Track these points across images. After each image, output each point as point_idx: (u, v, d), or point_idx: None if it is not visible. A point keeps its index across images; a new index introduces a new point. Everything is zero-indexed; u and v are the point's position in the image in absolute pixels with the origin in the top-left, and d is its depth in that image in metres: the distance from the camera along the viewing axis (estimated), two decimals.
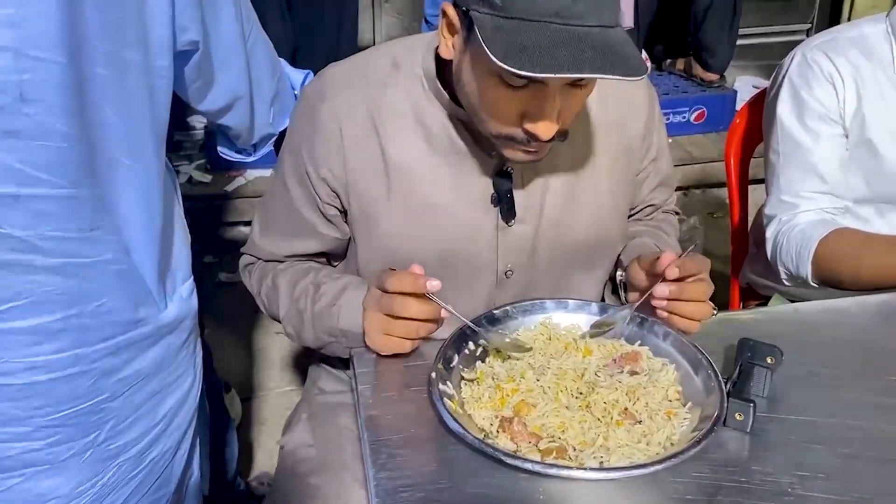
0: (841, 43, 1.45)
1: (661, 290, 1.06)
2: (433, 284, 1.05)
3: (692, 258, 1.09)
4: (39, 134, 0.84)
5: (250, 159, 1.40)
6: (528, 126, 1.00)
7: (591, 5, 0.91)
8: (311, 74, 1.43)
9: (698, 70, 3.91)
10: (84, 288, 0.93)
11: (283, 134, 1.56)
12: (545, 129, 1.00)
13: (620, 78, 0.90)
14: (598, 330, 1.12)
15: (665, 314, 1.09)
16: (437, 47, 1.09)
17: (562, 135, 1.04)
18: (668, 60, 4.10)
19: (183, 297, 1.10)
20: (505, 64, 0.89)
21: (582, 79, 0.96)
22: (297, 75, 1.40)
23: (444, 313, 1.07)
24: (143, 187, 0.98)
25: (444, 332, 1.10)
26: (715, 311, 1.12)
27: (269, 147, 1.39)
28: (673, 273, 1.05)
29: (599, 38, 0.91)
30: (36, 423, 0.95)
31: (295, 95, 1.42)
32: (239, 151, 1.39)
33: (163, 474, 1.12)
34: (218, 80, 1.13)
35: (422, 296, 1.05)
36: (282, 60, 1.37)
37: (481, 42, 0.91)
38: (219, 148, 1.38)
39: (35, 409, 0.95)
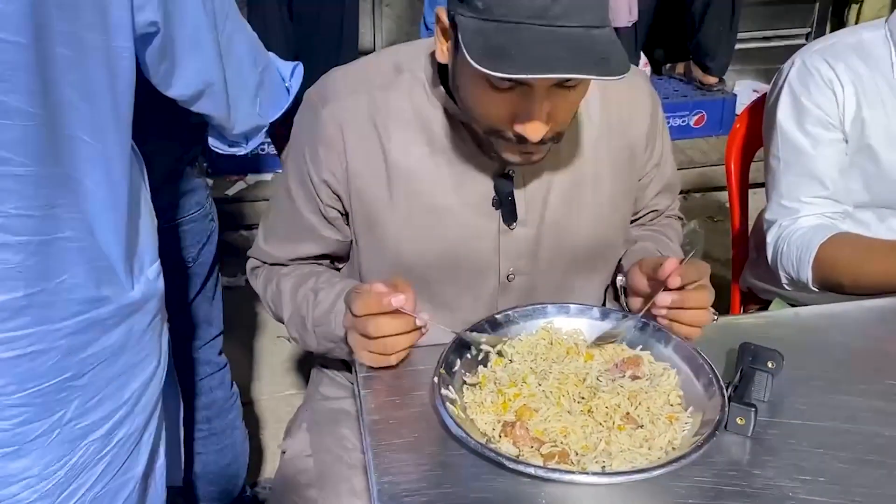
0: (840, 49, 1.45)
1: (664, 298, 1.06)
2: (398, 300, 1.02)
3: (693, 264, 1.09)
4: (2, 113, 0.85)
5: (242, 152, 1.41)
6: (517, 127, 1.01)
7: (571, 6, 0.91)
8: (301, 66, 1.44)
9: (698, 73, 3.92)
10: (45, 265, 0.94)
11: (278, 129, 1.57)
12: (533, 131, 1.00)
13: (597, 77, 0.91)
14: (602, 341, 1.11)
15: (666, 322, 1.10)
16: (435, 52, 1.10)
17: (556, 137, 1.05)
18: (668, 65, 4.11)
19: (150, 278, 1.10)
20: (480, 65, 0.90)
21: (568, 80, 0.97)
22: (286, 67, 1.41)
23: (419, 322, 1.05)
24: (106, 166, 0.98)
25: (446, 336, 1.10)
26: (715, 317, 1.12)
27: (260, 138, 1.40)
28: (676, 282, 1.05)
29: (579, 38, 0.91)
30: (1, 403, 0.96)
31: (287, 88, 1.42)
32: (232, 145, 1.40)
33: (130, 456, 1.12)
34: (184, 65, 1.13)
35: (394, 311, 1.04)
36: (271, 54, 1.38)
37: (461, 45, 0.92)
38: (209, 140, 1.39)
39: (1, 389, 0.95)
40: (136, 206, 1.07)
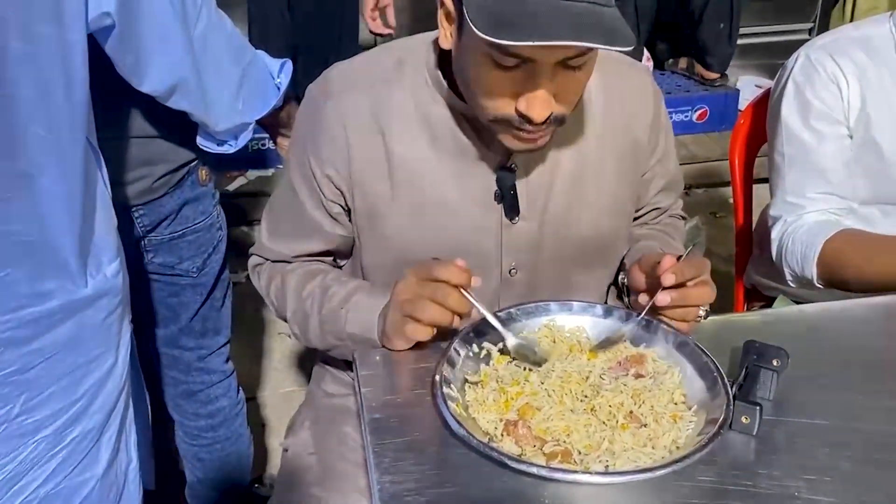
0: (844, 43, 1.44)
1: (663, 298, 1.05)
2: (477, 280, 1.05)
3: (691, 261, 1.08)
4: None
5: (231, 150, 1.40)
6: (521, 107, 1.00)
7: None
8: (290, 63, 1.44)
9: (700, 69, 3.90)
10: None
11: (276, 127, 1.56)
12: (538, 110, 0.99)
13: (600, 46, 0.90)
14: (606, 345, 1.09)
15: (655, 312, 1.09)
16: (438, 39, 1.09)
17: (559, 120, 1.04)
18: (671, 60, 4.10)
19: (107, 276, 1.09)
20: (486, 35, 0.89)
21: (573, 57, 0.96)
22: (274, 64, 1.41)
23: (474, 312, 1.06)
24: (61, 160, 0.97)
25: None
26: (702, 315, 1.10)
27: (247, 136, 1.39)
28: (669, 280, 1.04)
29: (587, 12, 0.91)
30: None
31: (277, 86, 1.42)
32: (221, 144, 1.39)
33: (88, 455, 1.11)
34: (152, 60, 1.13)
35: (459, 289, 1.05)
36: (259, 51, 1.37)
37: (467, 19, 0.92)
38: (198, 139, 1.38)
39: None
40: (92, 201, 1.06)
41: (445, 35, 1.07)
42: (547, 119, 1.01)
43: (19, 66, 0.89)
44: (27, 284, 0.97)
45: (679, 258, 1.07)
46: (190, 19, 1.15)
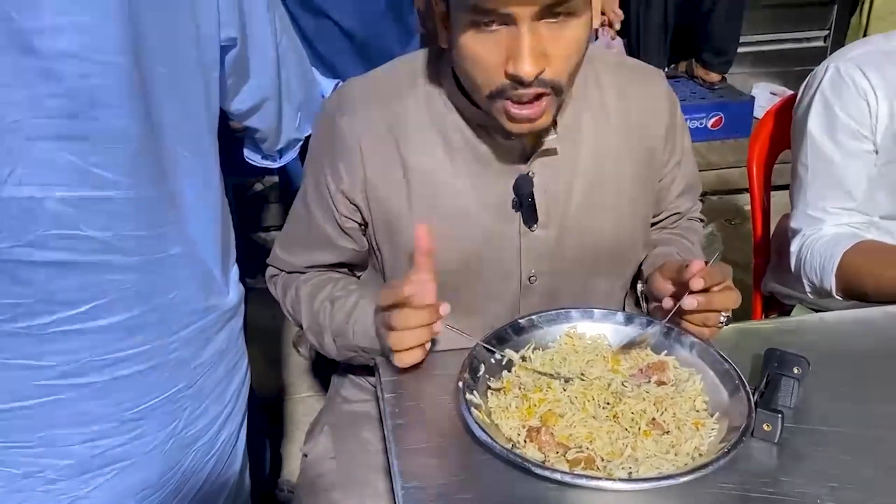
0: (876, 57, 1.42)
1: (690, 301, 1.05)
2: (446, 306, 1.06)
3: (717, 266, 1.08)
4: (109, 137, 0.86)
5: (275, 165, 1.41)
6: (510, 69, 0.98)
7: None
8: (342, 83, 1.45)
9: (700, 72, 3.88)
10: (158, 282, 0.96)
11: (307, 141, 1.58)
12: (525, 67, 0.97)
13: None
14: (629, 348, 1.10)
15: (677, 319, 1.09)
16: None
17: (552, 86, 1.02)
18: (672, 65, 4.07)
19: (235, 280, 1.13)
20: None
21: (551, 5, 0.95)
22: (327, 84, 1.42)
23: (443, 310, 1.06)
24: (202, 179, 1.00)
25: (469, 342, 1.10)
26: (723, 321, 1.10)
27: (294, 153, 1.40)
28: (699, 284, 1.04)
29: None
30: (120, 419, 0.98)
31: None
32: (265, 158, 1.40)
33: (231, 455, 1.16)
34: (249, 80, 1.15)
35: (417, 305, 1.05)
36: (313, 68, 1.38)
37: None
38: (245, 153, 1.39)
39: (119, 405, 0.97)
40: (226, 212, 1.09)
41: (443, 37, 1.09)
42: (537, 77, 0.99)
43: (165, 91, 0.91)
44: (193, 302, 1.01)
45: (706, 264, 1.07)
46: (279, 42, 1.17)
